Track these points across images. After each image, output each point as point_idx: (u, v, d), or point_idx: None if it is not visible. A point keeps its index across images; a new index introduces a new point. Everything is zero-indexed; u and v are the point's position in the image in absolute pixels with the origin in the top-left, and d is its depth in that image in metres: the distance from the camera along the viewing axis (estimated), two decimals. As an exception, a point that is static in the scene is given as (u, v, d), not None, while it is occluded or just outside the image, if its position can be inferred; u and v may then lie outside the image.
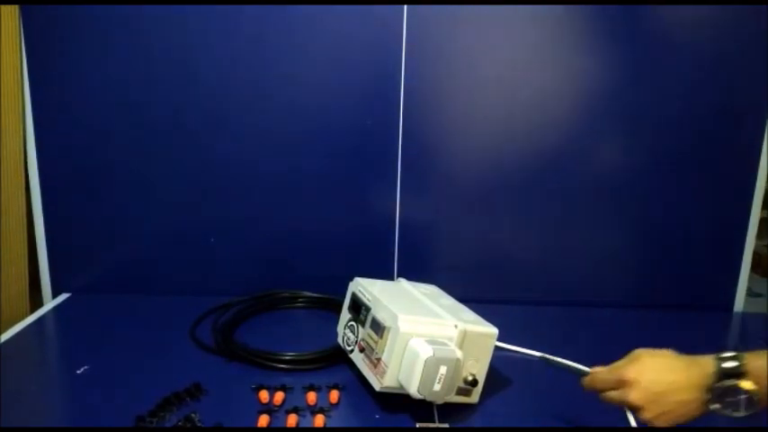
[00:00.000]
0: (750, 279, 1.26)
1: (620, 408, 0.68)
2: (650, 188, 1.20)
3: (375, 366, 0.81)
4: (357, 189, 1.19)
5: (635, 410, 0.66)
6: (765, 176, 1.18)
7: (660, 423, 0.64)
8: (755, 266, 1.30)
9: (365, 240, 1.21)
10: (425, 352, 0.75)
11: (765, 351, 0.62)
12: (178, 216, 1.19)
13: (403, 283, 0.98)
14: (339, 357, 0.94)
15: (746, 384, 0.61)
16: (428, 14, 1.10)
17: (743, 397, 0.61)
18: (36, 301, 1.21)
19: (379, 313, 0.84)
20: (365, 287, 0.91)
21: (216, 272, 1.22)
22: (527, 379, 0.93)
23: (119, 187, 1.17)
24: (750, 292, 1.28)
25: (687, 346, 1.05)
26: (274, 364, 0.93)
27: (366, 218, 1.20)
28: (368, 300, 0.88)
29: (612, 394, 0.68)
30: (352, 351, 0.89)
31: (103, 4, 1.08)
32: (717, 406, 0.63)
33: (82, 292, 1.21)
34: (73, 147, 1.15)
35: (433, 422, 0.80)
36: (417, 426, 0.79)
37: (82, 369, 0.91)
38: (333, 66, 1.13)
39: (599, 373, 0.71)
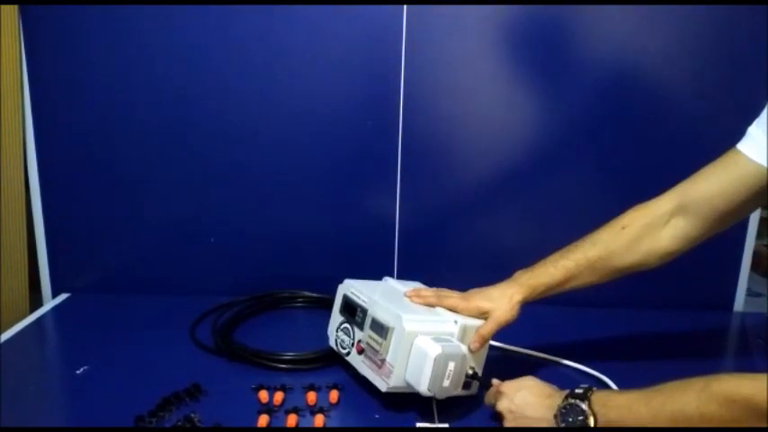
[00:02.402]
0: (750, 279, 1.26)
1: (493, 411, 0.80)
2: (650, 188, 1.19)
3: (380, 367, 0.81)
4: (357, 189, 1.19)
5: (499, 415, 0.78)
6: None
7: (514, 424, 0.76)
8: (755, 266, 1.30)
9: (365, 240, 1.21)
10: (434, 350, 0.76)
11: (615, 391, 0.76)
12: (178, 216, 1.19)
13: (391, 282, 0.98)
14: (338, 357, 0.94)
15: (584, 405, 0.70)
16: (428, 15, 1.10)
17: (580, 418, 0.70)
18: (36, 301, 1.21)
19: (378, 314, 0.83)
20: (358, 289, 0.90)
21: (216, 272, 1.22)
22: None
23: (119, 187, 1.17)
24: (750, 292, 1.28)
25: (687, 345, 1.05)
26: (274, 364, 0.93)
27: (366, 218, 1.20)
28: (363, 301, 0.87)
29: (492, 400, 0.81)
30: (348, 353, 0.88)
31: (103, 4, 1.09)
32: (560, 421, 0.72)
33: (81, 292, 1.21)
34: (72, 147, 1.15)
35: (433, 422, 0.80)
36: (417, 426, 0.79)
37: (81, 369, 0.91)
38: (333, 66, 1.13)
39: (492, 387, 0.82)
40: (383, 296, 0.87)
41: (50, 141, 1.15)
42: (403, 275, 1.22)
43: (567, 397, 0.72)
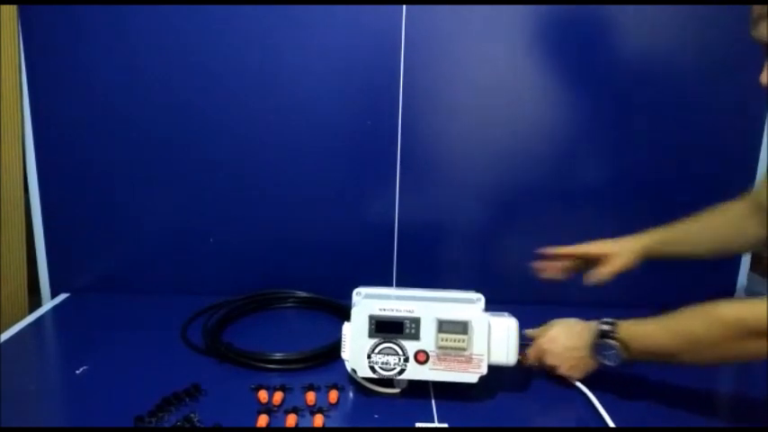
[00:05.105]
0: (750, 279, 1.26)
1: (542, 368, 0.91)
2: (650, 188, 1.20)
3: (468, 362, 0.83)
4: (356, 190, 1.19)
5: (553, 369, 0.89)
6: (765, 175, 1.18)
7: (573, 373, 0.88)
8: (755, 266, 1.30)
9: (364, 241, 1.21)
10: (511, 323, 0.85)
11: (638, 320, 0.82)
12: (176, 216, 1.19)
13: (383, 289, 0.93)
14: (329, 357, 0.95)
15: (613, 342, 0.81)
16: (427, 15, 1.10)
17: (613, 351, 0.82)
18: (35, 302, 1.21)
19: (443, 315, 0.82)
20: (385, 306, 0.85)
21: (215, 272, 1.22)
22: (527, 379, 0.93)
23: (117, 188, 1.17)
24: (750, 292, 1.28)
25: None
26: (261, 365, 0.93)
27: (365, 219, 1.20)
28: (409, 312, 0.84)
29: (535, 362, 0.92)
30: (402, 371, 0.84)
31: (103, 4, 1.09)
32: (598, 357, 0.84)
33: (81, 293, 1.21)
34: (71, 147, 1.15)
35: (433, 422, 0.80)
36: (417, 426, 0.79)
37: (81, 369, 0.91)
38: (332, 66, 1.13)
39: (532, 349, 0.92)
40: (418, 299, 0.86)
41: (49, 142, 1.15)
42: (401, 276, 1.22)
43: (597, 335, 0.83)
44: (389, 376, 0.84)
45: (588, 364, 0.87)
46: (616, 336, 0.81)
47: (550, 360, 0.89)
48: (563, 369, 0.88)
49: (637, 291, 1.23)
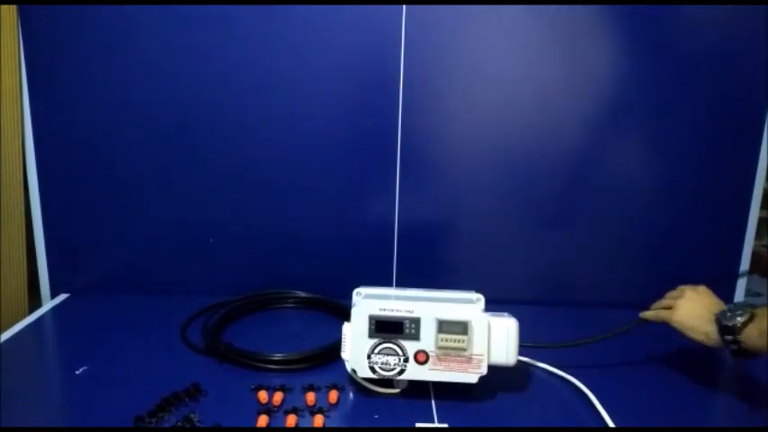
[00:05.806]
0: (750, 279, 1.26)
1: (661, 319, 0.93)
2: (649, 188, 1.20)
3: (468, 362, 0.83)
4: (355, 189, 1.19)
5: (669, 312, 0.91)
6: (764, 176, 1.19)
7: (682, 318, 0.89)
8: (755, 266, 1.30)
9: (364, 241, 1.21)
10: (510, 323, 0.85)
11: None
12: (177, 216, 1.19)
13: (383, 289, 0.94)
14: (329, 357, 0.95)
15: (743, 307, 0.82)
16: (427, 15, 1.10)
17: (739, 311, 0.81)
18: (35, 302, 1.21)
19: (443, 315, 0.82)
20: (385, 306, 0.85)
21: (214, 272, 1.22)
22: (527, 379, 0.93)
23: (118, 188, 1.17)
24: (750, 292, 1.28)
25: (687, 345, 1.04)
26: (261, 365, 0.93)
27: (365, 219, 1.20)
28: (409, 312, 0.84)
29: (662, 312, 0.93)
30: (402, 371, 0.84)
31: (103, 4, 1.09)
32: (720, 316, 0.83)
33: (81, 293, 1.21)
34: (71, 147, 1.15)
35: (433, 422, 0.80)
36: (417, 426, 0.79)
37: (81, 369, 0.91)
38: (332, 67, 1.13)
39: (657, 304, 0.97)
40: (418, 299, 0.86)
41: (49, 141, 1.15)
42: (401, 276, 1.22)
43: (725, 312, 0.84)
44: (389, 376, 0.85)
45: (703, 316, 0.87)
46: (747, 307, 0.82)
47: (676, 316, 0.90)
48: (679, 312, 0.90)
49: (637, 291, 1.24)
